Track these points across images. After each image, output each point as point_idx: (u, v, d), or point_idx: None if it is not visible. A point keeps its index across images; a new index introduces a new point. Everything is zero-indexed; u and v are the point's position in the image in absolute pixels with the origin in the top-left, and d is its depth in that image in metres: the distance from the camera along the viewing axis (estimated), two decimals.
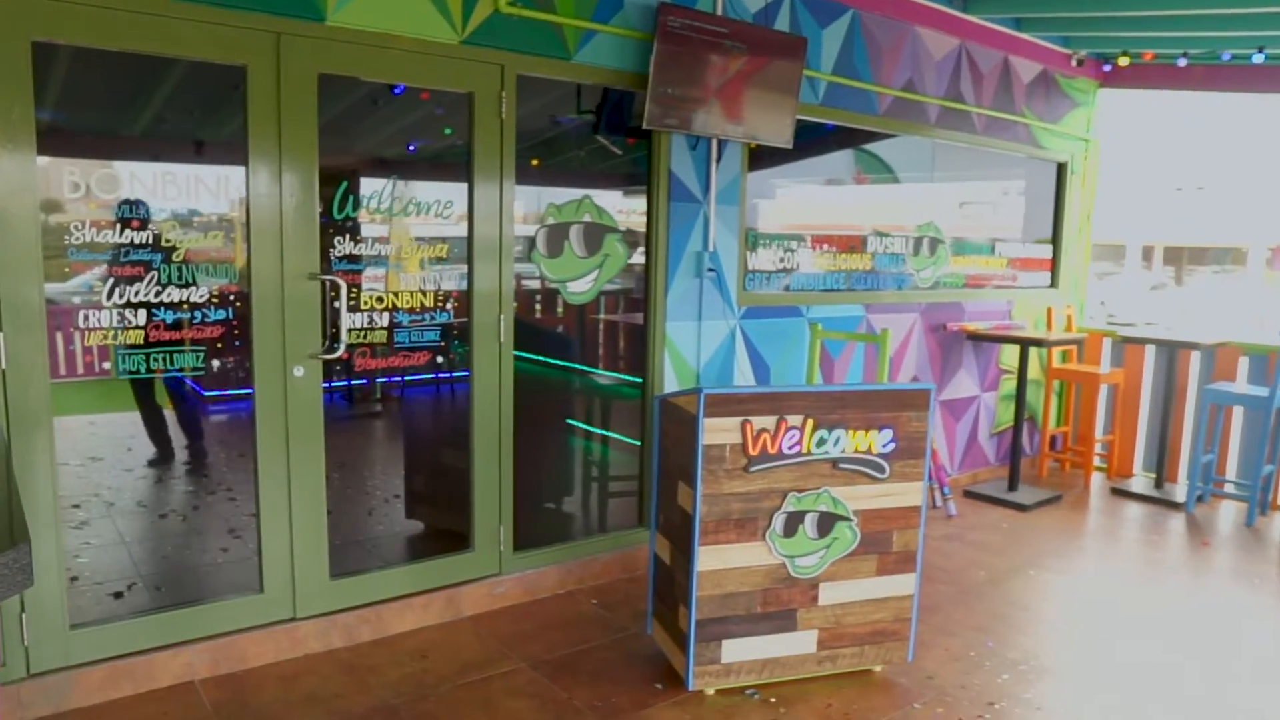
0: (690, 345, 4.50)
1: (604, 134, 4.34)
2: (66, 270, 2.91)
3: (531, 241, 3.94)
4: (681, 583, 3.23)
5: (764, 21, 4.53)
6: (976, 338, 6.06)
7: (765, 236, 4.89)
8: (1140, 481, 6.42)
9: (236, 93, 3.13)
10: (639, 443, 4.53)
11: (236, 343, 3.25)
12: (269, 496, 3.35)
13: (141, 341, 3.05)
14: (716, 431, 3.10)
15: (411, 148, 4.05)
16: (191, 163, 3.13)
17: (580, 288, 4.10)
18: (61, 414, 3.79)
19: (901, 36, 5.35)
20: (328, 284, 3.37)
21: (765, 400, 3.16)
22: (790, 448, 3.19)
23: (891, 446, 3.32)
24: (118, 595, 3.62)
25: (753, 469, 3.16)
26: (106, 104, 3.08)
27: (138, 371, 3.09)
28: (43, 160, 2.82)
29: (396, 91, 3.60)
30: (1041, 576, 4.59)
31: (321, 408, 3.40)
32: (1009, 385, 6.59)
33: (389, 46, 3.39)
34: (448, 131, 3.89)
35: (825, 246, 5.26)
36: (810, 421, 3.21)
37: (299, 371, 3.31)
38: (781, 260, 5.00)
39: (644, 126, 4.00)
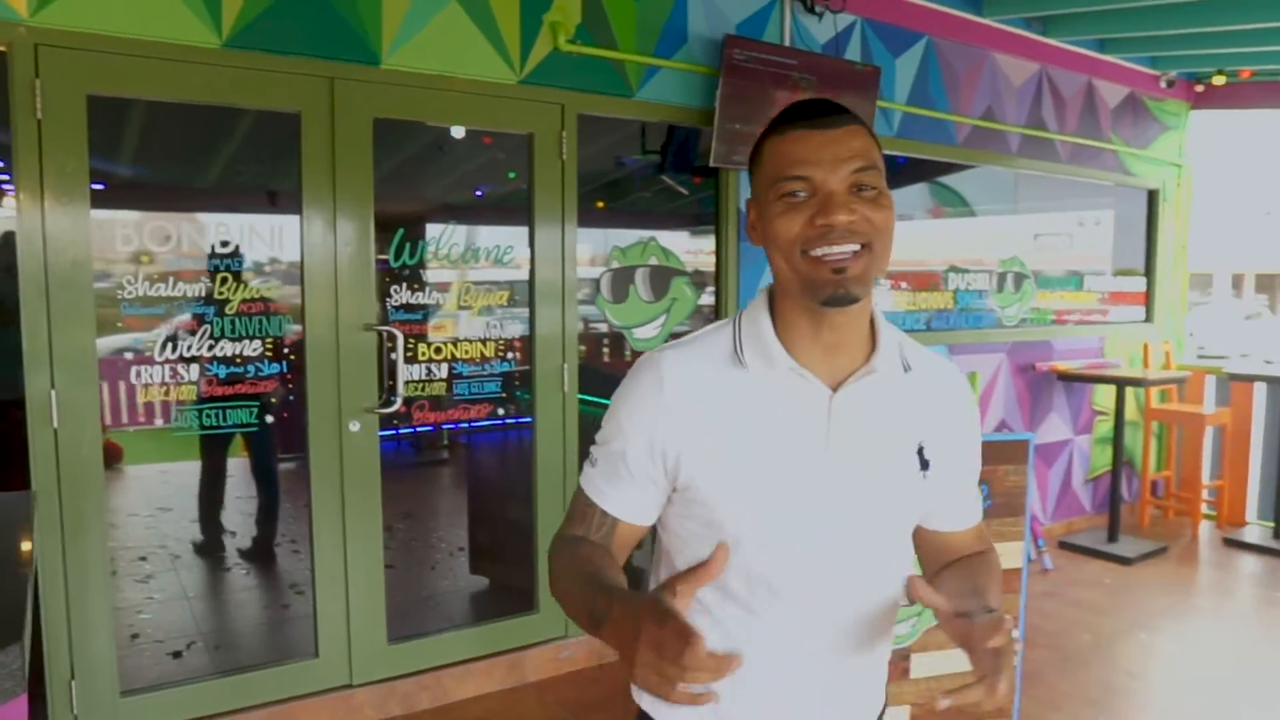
0: None
1: (669, 173, 4.19)
2: (119, 325, 2.83)
3: (596, 285, 3.79)
4: None
5: (834, 52, 4.34)
6: (1068, 378, 5.70)
7: None
8: (1255, 531, 5.93)
9: (291, 141, 3.05)
10: None
11: (290, 397, 3.14)
12: (324, 559, 3.21)
13: (194, 397, 2.95)
14: None
15: (480, 193, 3.94)
16: (244, 213, 3.05)
17: (647, 334, 3.91)
18: (134, 463, 3.70)
19: (979, 63, 5.11)
20: (384, 334, 3.24)
21: None
22: None
23: (987, 504, 3.04)
24: (176, 655, 3.52)
25: None
26: (157, 156, 3.02)
27: (190, 427, 2.98)
28: (95, 213, 2.76)
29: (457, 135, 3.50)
30: (1154, 640, 4.20)
31: (378, 464, 3.26)
32: (1104, 427, 6.17)
33: (445, 89, 3.29)
34: (512, 175, 3.78)
35: (903, 285, 5.00)
36: None
37: (355, 426, 3.18)
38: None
39: (710, 164, 3.83)
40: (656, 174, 4.15)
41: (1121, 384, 5.52)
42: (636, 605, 0.93)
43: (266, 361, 3.06)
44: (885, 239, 1.07)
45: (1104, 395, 6.13)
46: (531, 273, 3.56)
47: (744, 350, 1.14)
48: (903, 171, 5.04)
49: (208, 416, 2.98)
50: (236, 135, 3.15)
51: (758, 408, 1.11)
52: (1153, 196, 6.41)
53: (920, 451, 1.16)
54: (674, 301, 3.98)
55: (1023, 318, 5.65)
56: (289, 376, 3.12)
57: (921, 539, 1.29)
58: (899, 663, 2.97)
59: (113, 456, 3.42)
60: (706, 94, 3.91)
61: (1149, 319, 6.49)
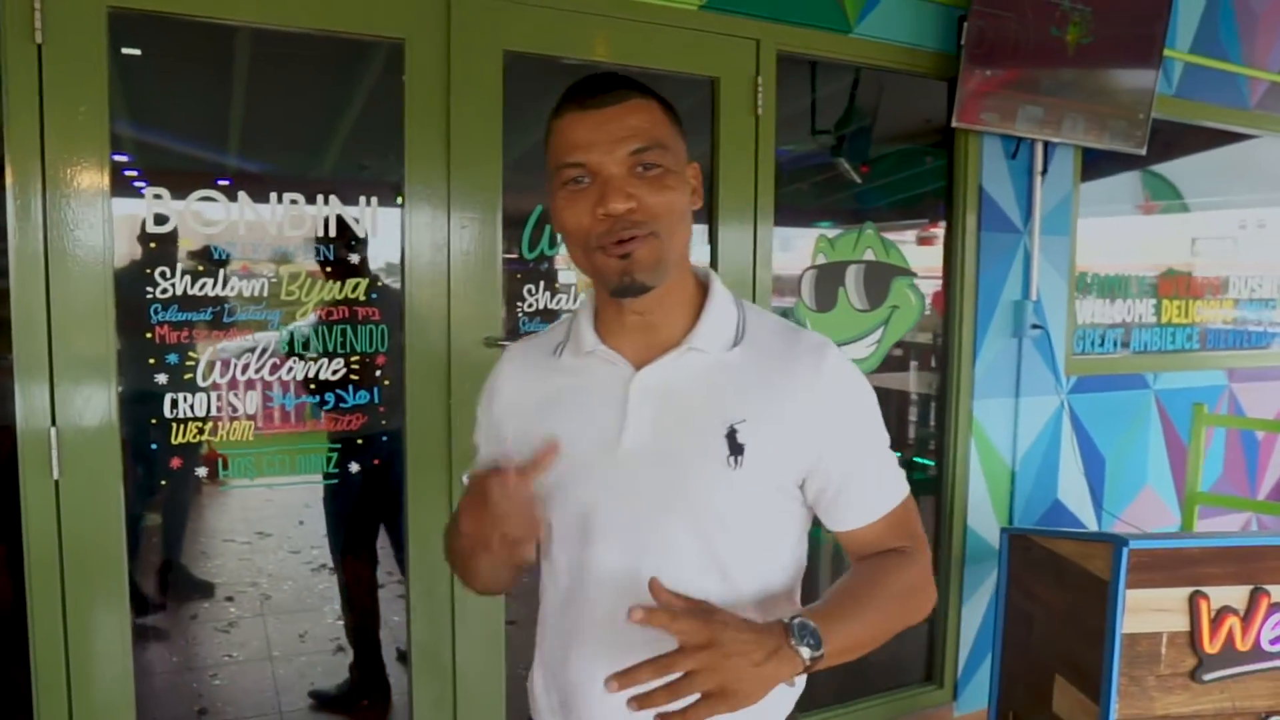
0: (1004, 431, 3.20)
1: (884, 143, 3.17)
2: (148, 336, 2.02)
3: (796, 287, 2.81)
4: None
5: None
6: None
7: (1094, 278, 3.53)
8: None
9: (392, 81, 2.19)
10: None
11: (383, 437, 2.27)
12: (427, 660, 2.33)
13: (249, 437, 2.12)
14: (1148, 612, 1.80)
15: None
16: (324, 188, 2.19)
17: (859, 353, 2.90)
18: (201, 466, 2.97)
19: None
20: None
21: (1229, 558, 1.83)
22: (1274, 641, 1.85)
23: None
24: None
25: (1207, 676, 1.83)
26: (206, 107, 2.20)
27: (247, 478, 2.16)
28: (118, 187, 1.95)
29: None
30: None
31: None
32: None
33: (600, 13, 2.38)
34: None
35: (1171, 292, 3.82)
36: None
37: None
38: (1127, 311, 3.61)
39: (952, 124, 2.80)
40: (868, 142, 3.12)
41: None
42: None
43: (350, 389, 2.20)
44: (671, 221, 1.03)
45: None
46: (712, 267, 2.60)
47: (567, 339, 1.15)
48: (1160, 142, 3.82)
49: (270, 464, 2.15)
50: (317, 76, 2.31)
51: (567, 393, 1.12)
52: None
53: (731, 435, 1.05)
54: (894, 310, 2.95)
55: None
56: (380, 410, 2.25)
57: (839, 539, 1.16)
58: None
59: (214, 469, 2.67)
60: (944, 31, 2.88)
61: None
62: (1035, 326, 3.15)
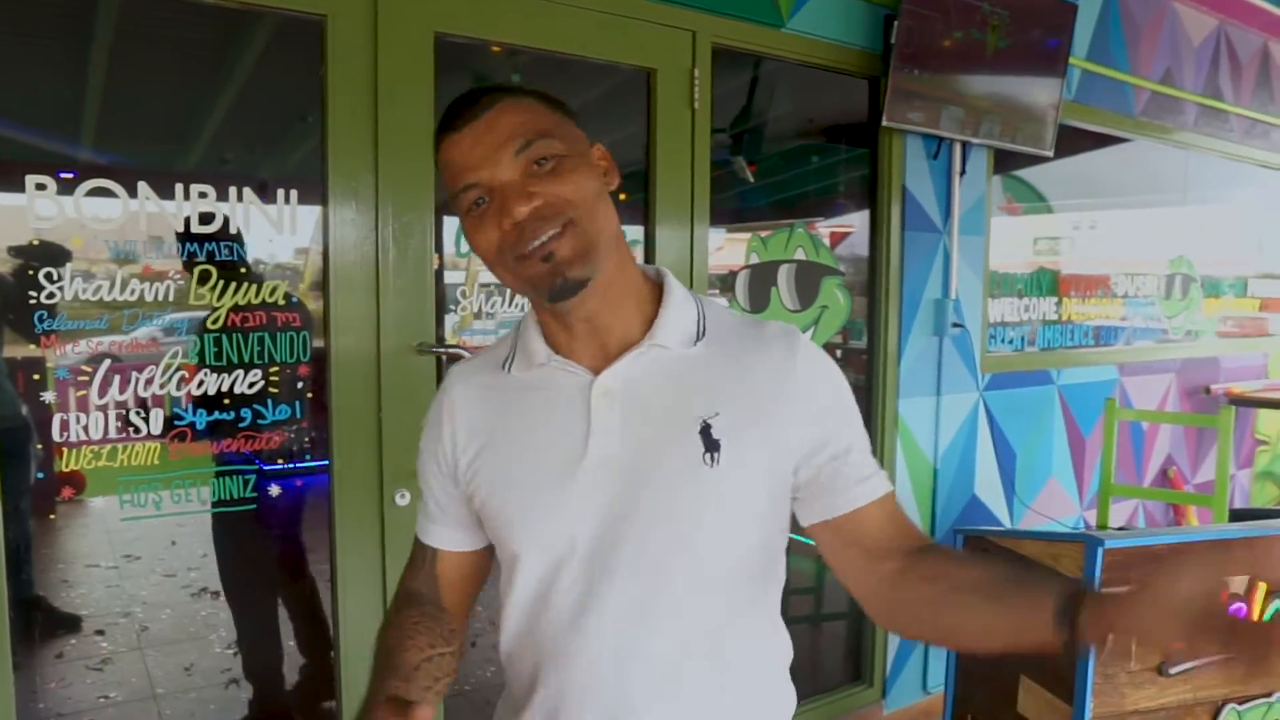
0: (926, 429, 3.21)
1: (807, 141, 3.14)
2: (32, 348, 1.76)
3: (730, 286, 2.73)
4: None
5: None
6: (1245, 403, 4.66)
7: (1003, 277, 3.61)
8: None
9: (312, 64, 1.99)
10: None
11: (306, 456, 2.06)
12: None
13: (154, 461, 1.87)
14: None
15: None
16: (238, 181, 1.96)
17: None
18: (98, 494, 2.66)
19: (1160, 14, 4.08)
20: (447, 360, 2.17)
21: (1194, 554, 1.86)
22: None
23: None
24: None
25: (1173, 670, 1.85)
26: (102, 89, 1.94)
27: (154, 509, 1.92)
28: None
29: None
30: None
31: None
32: (1264, 460, 5.18)
33: None
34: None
35: (1072, 291, 3.95)
36: (1262, 585, 1.90)
37: (403, 499, 2.10)
38: (1026, 309, 3.70)
39: (884, 123, 2.78)
40: (798, 138, 3.09)
41: None
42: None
43: (269, 403, 1.98)
44: (586, 205, 0.95)
45: (1267, 422, 5.13)
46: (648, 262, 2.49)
47: (515, 352, 1.07)
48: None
49: (177, 490, 1.91)
50: (229, 57, 2.08)
51: (522, 410, 1.04)
52: None
53: (705, 432, 0.98)
54: (824, 310, 2.92)
55: (1189, 330, 4.62)
56: (303, 425, 2.04)
57: (833, 541, 1.04)
58: None
59: (72, 486, 2.37)
60: (872, 31, 2.87)
61: None
62: (956, 325, 3.18)
